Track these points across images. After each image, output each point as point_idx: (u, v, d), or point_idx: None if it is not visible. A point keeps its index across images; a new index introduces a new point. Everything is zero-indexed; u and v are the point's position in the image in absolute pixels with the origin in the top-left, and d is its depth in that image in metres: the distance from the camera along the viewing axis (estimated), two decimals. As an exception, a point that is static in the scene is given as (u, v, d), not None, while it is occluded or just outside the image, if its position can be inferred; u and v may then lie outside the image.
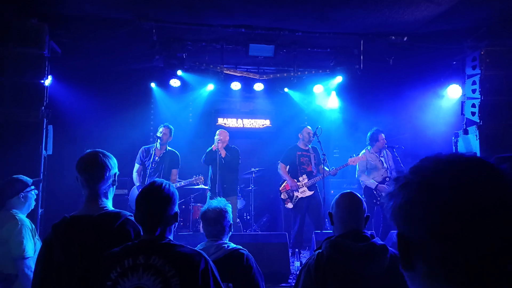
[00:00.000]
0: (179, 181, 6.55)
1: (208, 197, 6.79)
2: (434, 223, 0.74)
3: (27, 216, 3.53)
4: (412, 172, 0.81)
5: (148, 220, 2.02)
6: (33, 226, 3.43)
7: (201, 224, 2.96)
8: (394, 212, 0.81)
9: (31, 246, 3.26)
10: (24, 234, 3.26)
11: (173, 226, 2.10)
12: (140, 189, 2.16)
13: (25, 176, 3.56)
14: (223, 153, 6.60)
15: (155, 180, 2.15)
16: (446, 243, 0.72)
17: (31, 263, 3.16)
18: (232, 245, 2.74)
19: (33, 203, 3.58)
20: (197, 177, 6.61)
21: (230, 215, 2.83)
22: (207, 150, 6.72)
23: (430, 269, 0.75)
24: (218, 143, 6.54)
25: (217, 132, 6.86)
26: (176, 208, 2.11)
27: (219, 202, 2.86)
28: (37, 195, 3.76)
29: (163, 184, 2.08)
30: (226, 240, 2.79)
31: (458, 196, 0.73)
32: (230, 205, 2.90)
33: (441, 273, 0.74)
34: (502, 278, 0.70)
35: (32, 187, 3.54)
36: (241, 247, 2.74)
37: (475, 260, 0.71)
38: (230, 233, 2.86)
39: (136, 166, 6.57)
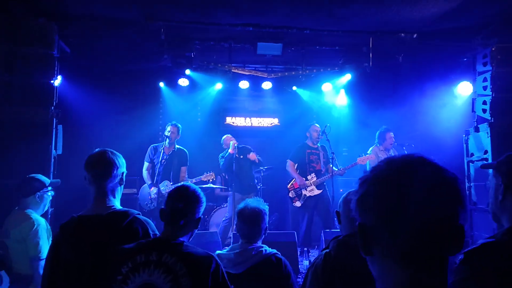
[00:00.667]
0: (189, 179, 6.56)
1: (230, 196, 6.84)
2: (380, 212, 0.90)
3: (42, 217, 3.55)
4: (370, 171, 0.97)
5: (172, 216, 2.07)
6: (49, 226, 3.43)
7: (235, 223, 2.88)
8: (355, 205, 0.97)
9: (46, 247, 3.23)
10: (41, 235, 3.26)
11: (191, 232, 2.15)
12: (171, 189, 2.22)
13: (43, 176, 3.56)
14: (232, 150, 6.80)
15: (188, 184, 2.23)
16: (387, 229, 0.89)
17: None
18: (269, 249, 2.64)
19: (48, 204, 3.57)
20: (207, 174, 6.60)
21: (267, 218, 2.73)
22: (224, 156, 6.87)
23: (382, 253, 0.91)
24: (232, 146, 6.72)
25: (225, 138, 7.10)
26: (201, 214, 2.17)
27: (258, 202, 2.75)
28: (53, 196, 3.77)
29: (196, 188, 2.18)
30: (260, 243, 2.67)
31: (390, 190, 0.90)
32: (267, 206, 2.79)
33: (389, 255, 0.89)
34: (431, 261, 0.88)
35: (49, 188, 3.53)
36: (277, 252, 2.64)
37: (405, 244, 0.87)
38: (264, 236, 2.73)
39: (146, 164, 6.60)
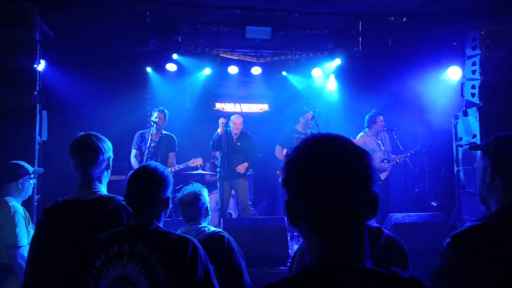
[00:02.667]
0: (177, 165, 6.49)
1: (218, 183, 6.74)
2: (295, 190, 1.02)
3: (23, 204, 3.48)
4: (292, 152, 1.06)
5: (137, 202, 1.95)
6: (27, 214, 3.36)
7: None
8: (282, 184, 1.07)
9: (24, 234, 3.18)
10: (17, 222, 3.18)
11: (163, 213, 2.03)
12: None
13: (26, 163, 3.49)
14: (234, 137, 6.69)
15: (149, 162, 2.10)
16: (302, 204, 1.01)
17: (25, 252, 3.07)
18: (212, 228, 2.78)
19: (30, 192, 3.51)
20: (195, 160, 6.54)
21: (205, 198, 2.87)
22: (214, 136, 6.67)
23: (302, 225, 1.03)
24: (222, 125, 6.51)
25: (232, 118, 6.86)
26: (169, 194, 2.03)
27: (194, 186, 2.90)
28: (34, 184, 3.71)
29: (156, 167, 2.02)
30: (204, 223, 2.83)
31: (300, 170, 1.01)
32: (205, 189, 2.95)
33: (307, 227, 1.02)
34: (344, 230, 0.99)
35: (32, 175, 3.47)
36: (221, 230, 2.80)
37: (319, 216, 1.00)
38: (209, 217, 2.90)
39: (133, 151, 6.52)
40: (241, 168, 6.59)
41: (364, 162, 1.02)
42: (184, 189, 2.91)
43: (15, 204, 3.29)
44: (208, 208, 2.90)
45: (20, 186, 3.36)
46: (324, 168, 0.98)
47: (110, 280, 1.78)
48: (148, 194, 1.95)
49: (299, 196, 1.01)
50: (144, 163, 2.11)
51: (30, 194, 3.54)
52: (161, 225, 1.98)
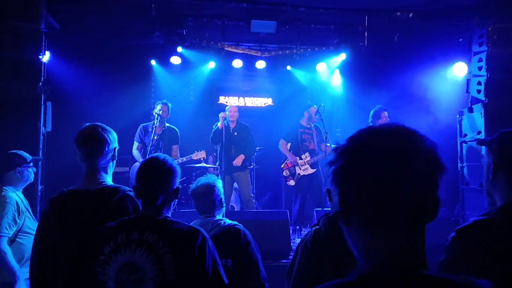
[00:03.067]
0: (180, 157, 6.50)
1: (219, 176, 6.75)
2: (359, 182, 0.90)
3: (26, 193, 3.49)
4: (349, 141, 0.97)
5: (146, 193, 1.98)
6: (23, 204, 3.32)
7: (228, 205, 2.99)
8: (334, 175, 0.96)
9: (6, 225, 3.11)
10: (6, 212, 3.13)
11: (172, 203, 2.06)
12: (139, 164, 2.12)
13: (25, 153, 3.50)
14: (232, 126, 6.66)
15: (158, 154, 2.12)
16: (367, 198, 0.89)
17: (4, 242, 3.07)
18: (228, 221, 2.73)
19: (31, 179, 3.52)
20: (198, 153, 6.55)
21: (220, 190, 2.82)
22: (214, 129, 6.66)
23: (358, 221, 0.91)
24: (222, 119, 6.50)
25: (226, 108, 6.82)
26: (177, 184, 2.07)
27: (208, 178, 2.86)
28: (36, 173, 3.71)
29: (165, 158, 2.06)
30: (219, 216, 2.78)
31: (370, 161, 0.90)
32: (220, 180, 2.89)
33: (362, 222, 0.91)
34: (408, 228, 0.89)
35: (31, 164, 3.49)
36: (237, 223, 2.74)
37: (383, 212, 0.88)
38: (223, 209, 2.85)
39: (136, 144, 6.54)
40: (237, 161, 6.58)
41: (435, 156, 0.91)
42: (198, 180, 2.88)
43: (11, 194, 3.27)
44: (223, 200, 2.84)
45: (18, 174, 3.38)
46: (393, 156, 0.88)
47: (118, 266, 1.81)
48: (158, 184, 1.98)
49: (360, 188, 0.90)
50: (152, 155, 2.12)
51: (32, 181, 3.54)
52: (169, 215, 2.02)
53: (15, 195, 3.30)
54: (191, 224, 2.65)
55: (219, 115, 6.51)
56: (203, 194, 2.75)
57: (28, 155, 3.50)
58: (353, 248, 0.97)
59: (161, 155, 2.09)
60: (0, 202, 3.18)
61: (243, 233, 2.67)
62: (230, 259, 2.52)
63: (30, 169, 3.48)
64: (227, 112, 6.67)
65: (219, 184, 2.85)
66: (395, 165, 0.87)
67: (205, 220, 2.70)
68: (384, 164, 0.88)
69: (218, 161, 6.63)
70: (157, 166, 2.01)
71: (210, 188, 2.76)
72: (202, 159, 6.71)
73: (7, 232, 3.13)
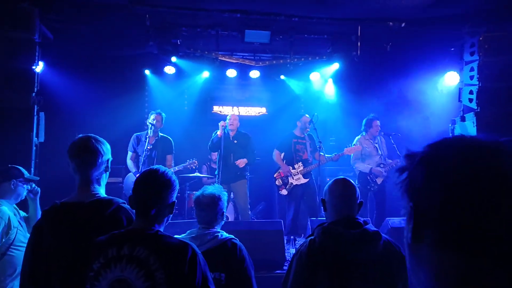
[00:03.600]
0: (173, 167, 6.48)
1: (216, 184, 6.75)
2: (450, 196, 0.77)
3: (18, 204, 3.46)
4: (432, 147, 0.84)
5: (141, 204, 1.94)
6: (15, 220, 3.28)
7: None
8: (408, 184, 0.84)
9: None
10: None
11: (166, 218, 2.02)
12: (138, 174, 2.09)
13: (24, 169, 3.49)
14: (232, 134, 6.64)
15: (158, 166, 2.08)
16: (451, 213, 0.77)
17: None
18: (225, 234, 2.68)
19: (23, 196, 3.46)
20: (191, 161, 6.53)
21: (224, 203, 2.76)
22: (212, 137, 6.66)
23: (440, 239, 0.78)
24: (222, 128, 6.50)
25: (227, 117, 6.81)
26: (174, 198, 2.03)
27: (214, 188, 2.79)
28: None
29: (165, 171, 2.02)
30: (218, 228, 2.73)
31: (468, 174, 0.77)
32: (225, 192, 2.84)
33: (439, 239, 0.78)
34: (500, 256, 0.74)
35: (23, 179, 3.43)
36: (233, 237, 2.69)
37: (478, 235, 0.74)
38: (222, 222, 2.78)
39: (129, 153, 6.51)
40: (240, 162, 6.56)
41: None
42: (204, 188, 2.79)
43: (3, 208, 3.24)
44: (224, 213, 2.78)
45: (13, 187, 3.34)
46: (486, 168, 0.77)
47: (108, 283, 1.77)
48: (155, 196, 1.94)
49: (443, 202, 0.77)
50: (152, 167, 2.09)
51: (23, 198, 3.49)
52: (162, 229, 1.97)
53: (7, 209, 3.26)
54: (188, 232, 2.63)
55: (219, 124, 6.52)
56: (207, 205, 2.69)
57: (26, 172, 3.48)
58: (419, 271, 0.83)
59: (162, 167, 2.05)
60: None
61: (239, 248, 2.62)
62: (223, 273, 2.48)
63: (24, 186, 3.43)
64: (227, 121, 6.68)
65: (225, 197, 2.80)
66: (487, 176, 0.76)
67: (202, 231, 2.65)
68: (474, 176, 0.76)
69: (217, 171, 6.62)
70: (155, 178, 1.98)
71: (215, 201, 2.70)
72: (194, 167, 6.68)
73: None
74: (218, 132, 6.51)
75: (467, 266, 0.75)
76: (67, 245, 2.03)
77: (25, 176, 3.42)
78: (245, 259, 2.60)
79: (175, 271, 1.78)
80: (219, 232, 2.67)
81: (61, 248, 2.03)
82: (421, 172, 0.82)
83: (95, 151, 2.19)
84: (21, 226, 3.34)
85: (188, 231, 2.68)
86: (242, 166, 6.57)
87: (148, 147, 6.29)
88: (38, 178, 3.60)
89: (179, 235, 2.06)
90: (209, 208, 2.68)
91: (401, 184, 0.86)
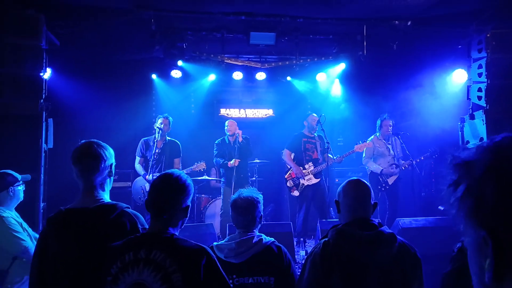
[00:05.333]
0: (182, 170, 6.49)
1: (222, 188, 6.79)
2: None
3: (26, 211, 3.49)
4: (498, 153, 0.64)
5: (157, 208, 1.97)
6: (13, 227, 3.26)
7: (229, 215, 2.88)
8: (474, 205, 0.64)
9: (20, 235, 3.19)
10: (9, 227, 3.17)
11: (181, 222, 2.03)
12: (154, 178, 2.10)
13: (13, 172, 3.48)
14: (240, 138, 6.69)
15: (173, 170, 2.10)
16: None
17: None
18: (268, 238, 2.64)
19: (21, 199, 3.48)
20: (198, 164, 6.56)
21: (261, 206, 2.72)
22: (219, 143, 6.80)
23: None
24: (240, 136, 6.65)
25: (226, 123, 6.87)
26: (189, 202, 2.04)
27: (251, 191, 2.74)
28: (37, 190, 3.69)
29: (181, 175, 2.04)
30: (257, 232, 2.67)
31: None
32: (261, 195, 2.79)
33: None
34: None
35: (21, 182, 3.46)
36: (275, 240, 2.63)
37: None
38: (260, 225, 2.72)
39: (137, 158, 6.52)
40: (233, 162, 6.60)
41: None
42: (240, 191, 2.74)
43: (6, 215, 3.26)
44: (262, 216, 2.74)
45: (11, 193, 3.36)
46: None
47: (126, 286, 1.79)
48: (170, 200, 1.96)
49: None
50: (167, 171, 2.10)
51: (22, 199, 3.50)
52: (177, 232, 1.99)
53: (9, 215, 3.28)
54: (228, 237, 2.59)
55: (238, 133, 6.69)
56: (246, 209, 2.63)
57: (17, 174, 3.48)
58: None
59: (176, 171, 2.07)
60: None
61: (285, 252, 2.58)
62: (273, 277, 2.45)
63: (20, 187, 3.45)
64: (225, 127, 6.76)
65: (261, 199, 2.75)
66: None
67: (244, 235, 2.59)
68: None
69: (223, 178, 6.72)
70: (170, 182, 2.00)
71: (254, 204, 2.65)
72: (202, 169, 6.68)
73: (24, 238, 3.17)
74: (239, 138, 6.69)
75: None
76: (73, 250, 2.04)
77: (18, 179, 3.43)
78: (291, 263, 2.57)
79: (192, 273, 1.80)
80: (261, 235, 2.62)
81: (67, 254, 2.05)
82: (494, 185, 0.61)
83: (97, 157, 2.19)
84: (27, 231, 3.37)
85: (228, 237, 2.63)
86: (236, 165, 6.59)
87: (157, 151, 6.31)
88: (30, 177, 3.62)
89: (193, 239, 2.06)
90: (248, 212, 2.62)
91: (459, 203, 0.67)
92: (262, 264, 1.98)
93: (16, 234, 3.18)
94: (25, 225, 3.41)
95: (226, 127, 6.81)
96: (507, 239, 0.58)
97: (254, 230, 2.65)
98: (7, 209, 3.33)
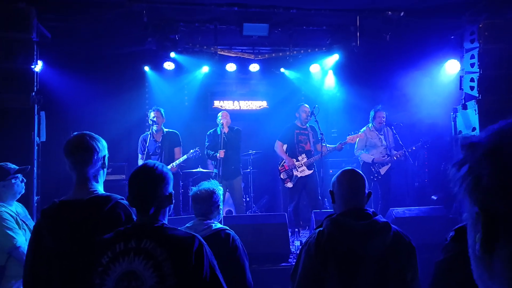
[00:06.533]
0: (178, 159, 6.44)
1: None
2: None
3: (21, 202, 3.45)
4: (501, 135, 0.68)
5: (140, 201, 1.97)
6: (6, 223, 3.21)
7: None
8: (472, 183, 0.68)
9: (11, 233, 3.13)
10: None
11: (167, 208, 2.04)
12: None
13: (11, 164, 3.39)
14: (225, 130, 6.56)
15: (147, 161, 2.10)
16: None
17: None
18: (219, 225, 2.84)
19: (20, 191, 3.39)
20: (193, 151, 6.48)
21: (219, 197, 2.92)
22: (211, 134, 6.68)
23: None
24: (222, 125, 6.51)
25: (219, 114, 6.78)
26: (171, 189, 2.04)
27: (210, 183, 2.95)
28: (31, 184, 3.64)
29: (155, 165, 2.04)
30: (215, 220, 2.89)
31: None
32: (221, 188, 3.01)
33: None
34: None
35: (17, 175, 3.35)
36: (227, 228, 2.83)
37: None
38: (220, 216, 2.95)
39: (140, 156, 6.45)
40: (220, 153, 6.50)
41: None
42: (200, 183, 2.97)
43: (3, 209, 3.21)
44: (220, 206, 2.94)
45: (4, 188, 3.27)
46: None
47: (117, 276, 1.80)
48: (150, 191, 1.97)
49: None
50: (143, 162, 2.11)
51: (23, 192, 3.43)
52: (165, 221, 2.01)
53: (3, 209, 3.21)
54: (186, 225, 2.72)
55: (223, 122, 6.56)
56: (202, 199, 2.85)
57: (13, 166, 3.38)
58: (493, 284, 0.68)
59: (151, 162, 2.07)
60: None
61: (232, 238, 2.75)
62: (216, 261, 2.55)
63: (17, 180, 3.34)
64: (218, 119, 6.70)
65: (220, 191, 2.95)
66: None
67: (197, 222, 2.80)
68: None
69: (216, 169, 6.66)
70: (147, 173, 2.00)
71: (210, 194, 2.86)
72: (198, 153, 6.54)
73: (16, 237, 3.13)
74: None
75: None
76: (67, 242, 2.04)
77: (10, 172, 3.31)
78: (238, 248, 2.73)
79: (182, 261, 1.81)
80: (213, 222, 2.83)
81: (60, 246, 2.05)
82: (490, 166, 0.65)
83: (90, 149, 2.19)
84: (26, 225, 3.33)
85: (187, 224, 2.81)
86: (223, 156, 6.48)
87: (158, 145, 6.31)
88: (28, 167, 3.52)
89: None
90: (204, 201, 2.84)
91: (460, 182, 0.70)
92: None
93: (7, 231, 3.12)
94: (29, 218, 3.37)
95: (218, 118, 6.72)
96: (496, 216, 0.64)
97: (212, 219, 2.87)
98: (4, 204, 3.27)
